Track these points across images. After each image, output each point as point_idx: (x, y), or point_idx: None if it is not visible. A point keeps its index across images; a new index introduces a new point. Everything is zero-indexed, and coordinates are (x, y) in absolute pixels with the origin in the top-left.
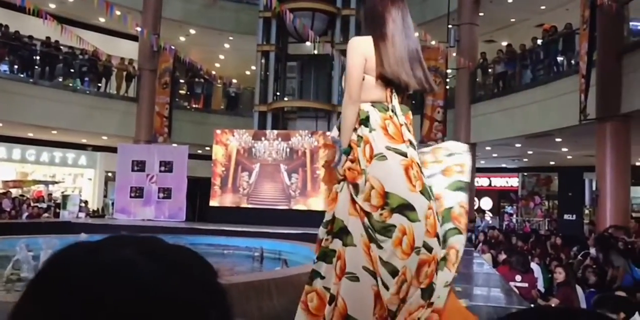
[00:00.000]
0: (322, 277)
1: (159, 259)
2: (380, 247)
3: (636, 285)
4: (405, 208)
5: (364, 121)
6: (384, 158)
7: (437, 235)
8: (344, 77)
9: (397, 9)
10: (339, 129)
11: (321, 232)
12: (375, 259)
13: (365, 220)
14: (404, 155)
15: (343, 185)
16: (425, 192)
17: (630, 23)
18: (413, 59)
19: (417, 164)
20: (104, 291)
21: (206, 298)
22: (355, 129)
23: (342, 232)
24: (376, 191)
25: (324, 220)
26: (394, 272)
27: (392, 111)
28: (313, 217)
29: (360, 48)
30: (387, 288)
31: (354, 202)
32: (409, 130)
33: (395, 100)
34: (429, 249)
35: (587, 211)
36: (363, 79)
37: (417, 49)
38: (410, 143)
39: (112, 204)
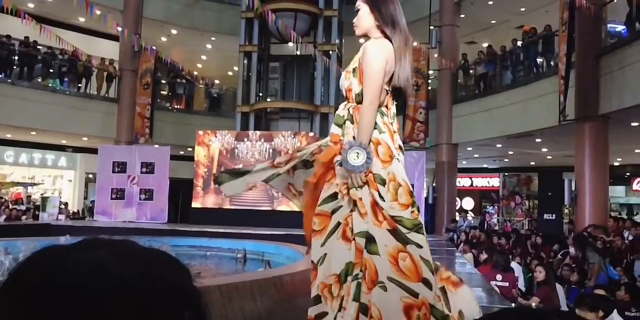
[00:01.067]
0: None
1: (131, 262)
2: (420, 247)
3: (611, 283)
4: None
5: (375, 124)
6: (397, 160)
7: None
8: (350, 77)
9: (402, 17)
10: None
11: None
12: (416, 259)
13: (397, 226)
14: (398, 160)
15: (364, 191)
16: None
17: (608, 25)
18: (411, 67)
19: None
20: (72, 293)
21: (179, 301)
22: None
23: (367, 240)
24: (404, 189)
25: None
26: (435, 269)
27: (388, 117)
28: (296, 218)
29: (385, 52)
30: (430, 287)
31: (375, 210)
32: (400, 136)
33: (393, 107)
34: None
35: (566, 211)
36: None
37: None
38: (400, 149)
39: (92, 205)
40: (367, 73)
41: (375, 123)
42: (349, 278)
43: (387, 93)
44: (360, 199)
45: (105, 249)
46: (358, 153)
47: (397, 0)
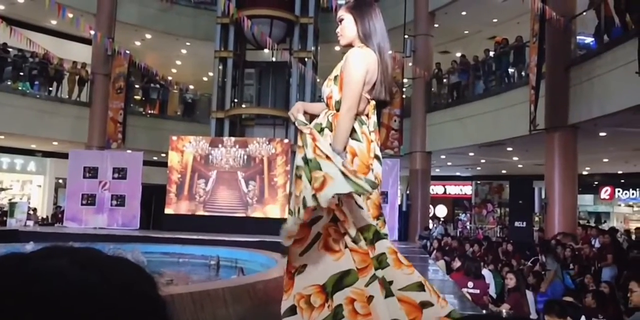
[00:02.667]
0: (391, 283)
1: (93, 270)
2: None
3: (567, 292)
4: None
5: (351, 133)
6: (372, 171)
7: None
8: (328, 83)
9: (383, 27)
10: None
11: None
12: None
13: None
14: (372, 170)
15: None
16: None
17: (578, 37)
18: (391, 76)
19: (380, 180)
20: (31, 302)
21: (143, 309)
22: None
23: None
24: (372, 202)
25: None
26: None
27: (368, 126)
28: (270, 225)
29: (366, 61)
30: None
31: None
32: (377, 145)
33: (374, 116)
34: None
35: (536, 218)
36: None
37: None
38: (377, 158)
39: (62, 211)
40: (346, 80)
41: (354, 132)
42: (349, 288)
43: (368, 102)
44: (337, 204)
45: (66, 257)
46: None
47: (378, 10)
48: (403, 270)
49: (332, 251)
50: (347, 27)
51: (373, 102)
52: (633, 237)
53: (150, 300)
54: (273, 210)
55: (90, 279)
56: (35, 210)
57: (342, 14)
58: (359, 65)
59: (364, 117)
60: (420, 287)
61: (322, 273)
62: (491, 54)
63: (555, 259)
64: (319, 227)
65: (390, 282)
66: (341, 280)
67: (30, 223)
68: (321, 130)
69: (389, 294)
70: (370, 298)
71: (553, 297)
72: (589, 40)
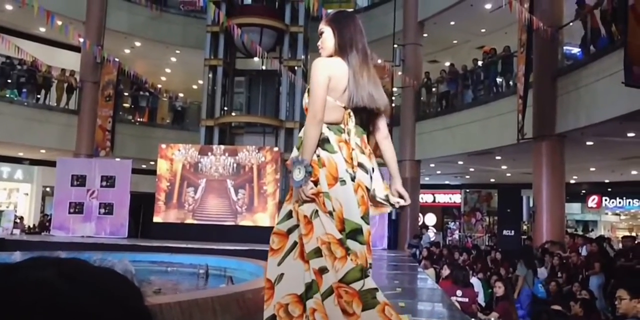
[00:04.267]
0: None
1: (80, 281)
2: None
3: (535, 302)
4: (357, 233)
5: (322, 143)
6: (344, 183)
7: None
8: (306, 95)
9: (362, 37)
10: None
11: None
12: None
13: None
14: (353, 179)
15: (315, 207)
16: (366, 218)
17: (564, 47)
18: (371, 84)
19: (365, 187)
20: (18, 314)
21: None
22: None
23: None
24: (336, 215)
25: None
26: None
27: (347, 134)
28: (259, 233)
29: (326, 68)
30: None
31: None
32: (364, 153)
33: (352, 123)
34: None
35: (525, 227)
36: None
37: (374, 74)
38: (361, 166)
39: (49, 219)
40: (310, 89)
41: (327, 142)
42: (317, 295)
43: (345, 110)
44: (306, 216)
45: (53, 268)
46: (299, 168)
47: (357, 21)
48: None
49: (305, 260)
50: (327, 40)
51: (349, 111)
52: (620, 245)
53: (137, 312)
54: (262, 218)
55: (77, 291)
56: (22, 218)
57: (322, 27)
58: (318, 71)
59: (341, 126)
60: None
61: (299, 282)
62: (479, 63)
63: (526, 266)
64: (295, 237)
65: (375, 290)
66: (308, 290)
67: (17, 232)
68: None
69: (369, 306)
70: None
71: (519, 305)
72: (576, 50)
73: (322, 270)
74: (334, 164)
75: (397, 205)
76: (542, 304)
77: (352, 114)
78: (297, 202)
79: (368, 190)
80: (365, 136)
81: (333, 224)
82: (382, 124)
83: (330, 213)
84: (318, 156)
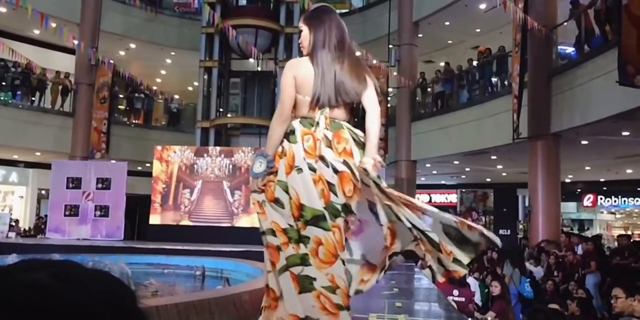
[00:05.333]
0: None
1: (72, 283)
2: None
3: (522, 300)
4: (319, 219)
5: (288, 135)
6: (300, 171)
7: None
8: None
9: (340, 31)
10: None
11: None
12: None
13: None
14: (314, 170)
15: (263, 197)
16: (329, 210)
17: (559, 47)
18: (345, 76)
19: (326, 181)
20: (10, 315)
21: None
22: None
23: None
24: (293, 202)
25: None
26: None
27: (314, 127)
28: (256, 235)
29: (292, 69)
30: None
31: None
32: (331, 147)
33: (321, 117)
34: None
35: (521, 226)
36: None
37: (355, 64)
38: (322, 159)
39: (44, 222)
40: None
41: (292, 133)
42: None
43: (315, 106)
44: (258, 201)
45: (46, 270)
46: (261, 162)
47: (333, 16)
48: (323, 270)
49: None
50: (304, 38)
51: (323, 107)
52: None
53: (130, 312)
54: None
55: (69, 293)
56: (17, 221)
57: (300, 25)
58: (284, 72)
59: (309, 120)
60: (333, 290)
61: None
62: (474, 63)
63: (512, 264)
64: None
65: (313, 279)
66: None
67: (12, 235)
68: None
69: (305, 289)
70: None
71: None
72: (570, 50)
73: (279, 248)
74: (292, 153)
75: (365, 170)
76: (528, 303)
77: (324, 108)
78: (253, 191)
79: (331, 184)
80: (341, 131)
81: (279, 214)
82: (369, 106)
83: (277, 200)
84: (282, 148)
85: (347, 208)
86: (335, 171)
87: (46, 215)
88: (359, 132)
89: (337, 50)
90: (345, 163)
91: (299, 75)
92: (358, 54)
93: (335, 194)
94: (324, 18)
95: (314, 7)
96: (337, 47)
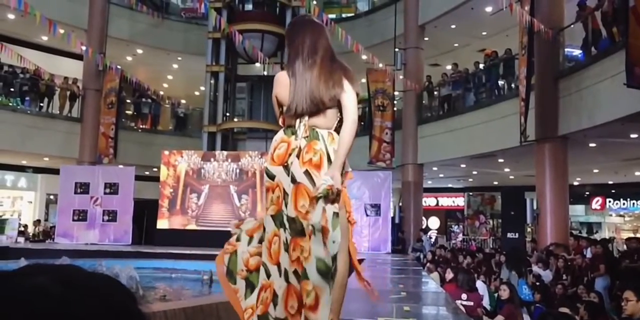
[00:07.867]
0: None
1: (74, 287)
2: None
3: (521, 304)
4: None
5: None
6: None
7: (279, 264)
8: None
9: (319, 37)
10: None
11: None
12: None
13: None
14: (272, 178)
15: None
16: (277, 218)
17: (566, 49)
18: (315, 83)
19: (283, 189)
20: (12, 319)
21: None
22: None
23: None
24: (275, 196)
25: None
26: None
27: (293, 135)
28: None
29: (275, 85)
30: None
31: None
32: (298, 156)
33: (301, 125)
34: (268, 275)
35: (529, 229)
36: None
37: (329, 70)
38: (285, 167)
39: (51, 227)
40: None
41: (275, 140)
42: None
43: (295, 115)
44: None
45: (48, 274)
46: None
47: (310, 25)
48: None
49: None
50: (287, 48)
51: (301, 116)
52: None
53: (131, 315)
54: None
55: (71, 295)
56: (26, 226)
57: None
58: (274, 88)
59: (292, 128)
60: None
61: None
62: (481, 66)
63: (509, 268)
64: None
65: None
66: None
67: (21, 239)
68: None
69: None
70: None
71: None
72: (577, 52)
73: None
74: (270, 157)
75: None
76: (528, 306)
77: (304, 117)
78: None
79: (286, 194)
80: (314, 142)
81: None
82: (344, 112)
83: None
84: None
85: (294, 224)
86: (294, 181)
87: (46, 220)
88: (337, 145)
89: (309, 58)
90: (306, 173)
91: (280, 90)
92: (364, 57)
93: (286, 205)
94: (297, 29)
95: (292, 20)
96: (309, 54)
